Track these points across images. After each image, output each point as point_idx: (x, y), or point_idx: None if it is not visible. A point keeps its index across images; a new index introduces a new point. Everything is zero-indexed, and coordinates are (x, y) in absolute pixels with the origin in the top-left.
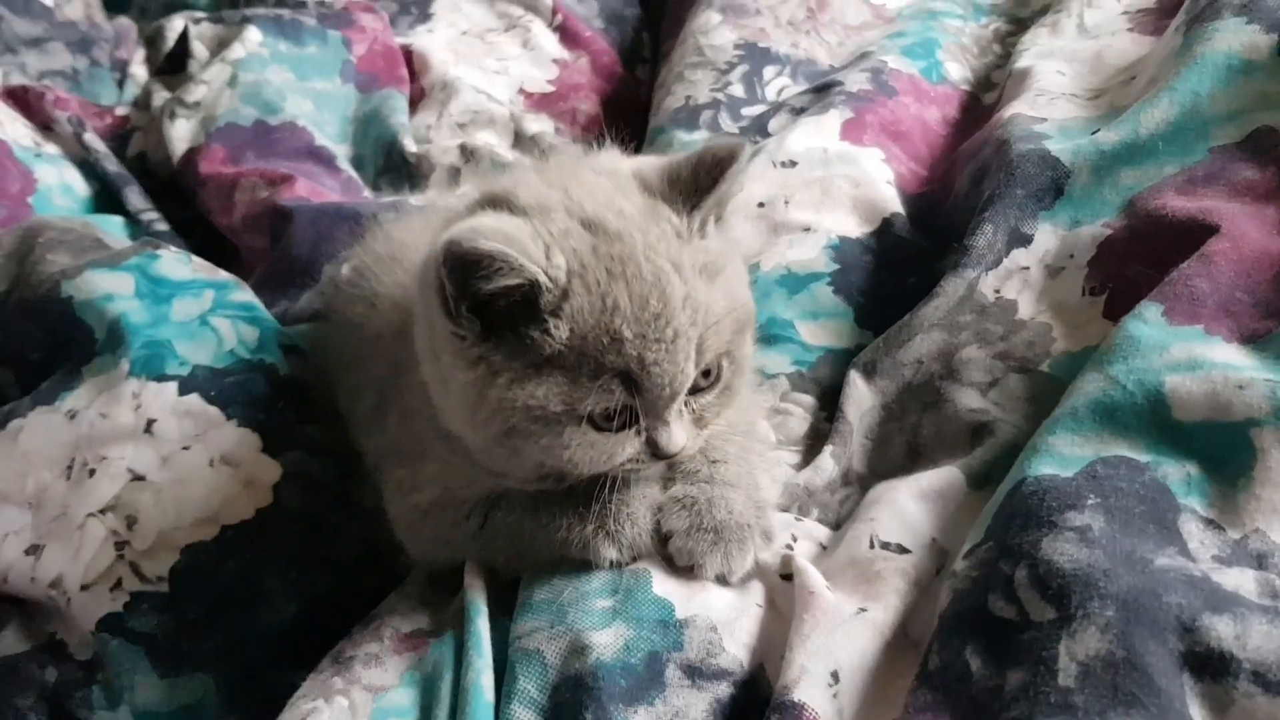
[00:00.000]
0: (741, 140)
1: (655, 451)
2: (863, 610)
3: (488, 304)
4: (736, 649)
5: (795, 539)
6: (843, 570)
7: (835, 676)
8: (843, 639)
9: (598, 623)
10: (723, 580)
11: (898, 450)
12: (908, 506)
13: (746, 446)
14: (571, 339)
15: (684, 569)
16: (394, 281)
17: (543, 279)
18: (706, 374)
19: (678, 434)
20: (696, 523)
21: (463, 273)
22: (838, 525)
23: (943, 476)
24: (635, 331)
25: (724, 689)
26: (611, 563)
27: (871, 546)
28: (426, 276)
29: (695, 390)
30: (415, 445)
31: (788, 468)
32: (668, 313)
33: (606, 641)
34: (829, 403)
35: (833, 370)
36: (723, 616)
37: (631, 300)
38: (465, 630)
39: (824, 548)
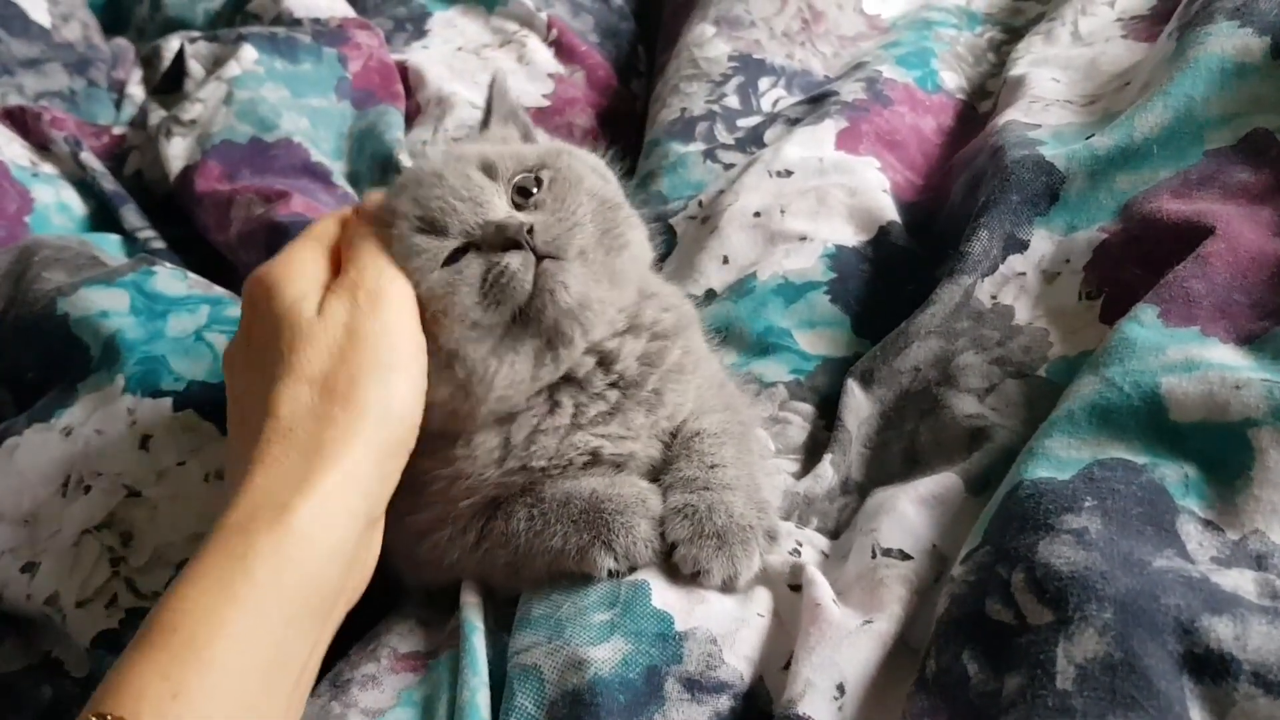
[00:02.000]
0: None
1: (494, 235)
2: (868, 622)
3: None
4: (736, 661)
5: (800, 545)
6: (850, 586)
7: (840, 689)
8: (849, 650)
9: (595, 637)
10: (729, 584)
11: (895, 457)
12: (908, 512)
13: (744, 449)
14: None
15: (690, 577)
16: None
17: None
18: (527, 194)
19: (496, 206)
20: (699, 530)
21: None
22: (836, 533)
23: (941, 482)
24: (414, 195)
25: (724, 702)
26: (609, 572)
27: (874, 555)
28: None
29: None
30: (411, 469)
31: (787, 476)
32: (433, 176)
33: (604, 656)
34: (828, 411)
35: (831, 379)
36: (723, 628)
37: (414, 185)
38: (461, 649)
39: (826, 556)
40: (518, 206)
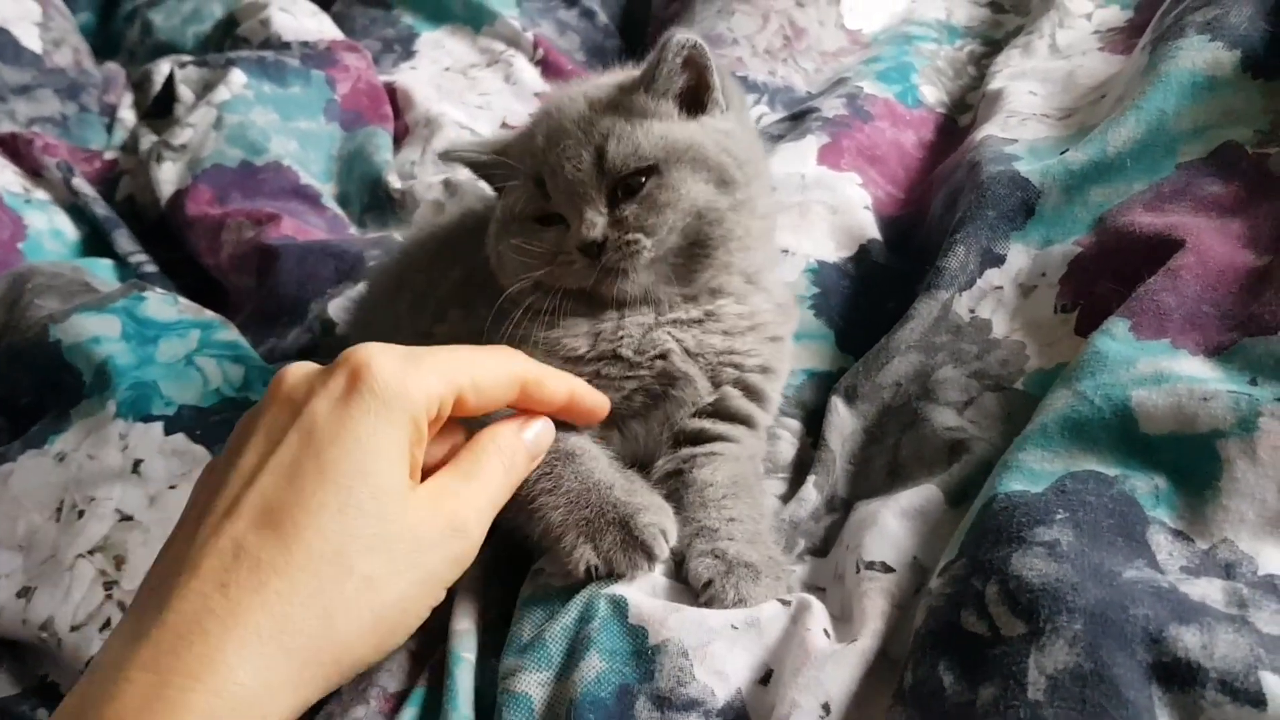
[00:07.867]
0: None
1: (579, 244)
2: (852, 641)
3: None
4: (706, 676)
5: (795, 571)
6: (840, 608)
7: (826, 708)
8: (832, 669)
9: (574, 657)
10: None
11: (878, 472)
12: (889, 525)
13: (754, 502)
14: (522, 163)
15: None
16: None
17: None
18: (631, 190)
19: (591, 219)
20: (725, 569)
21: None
22: (824, 550)
23: (921, 495)
24: (543, 145)
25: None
26: (589, 568)
27: (857, 570)
28: None
29: (619, 203)
30: None
31: (775, 499)
32: (563, 128)
33: (581, 676)
34: (814, 425)
35: (816, 393)
36: (695, 640)
37: (548, 130)
38: (445, 684)
39: (821, 590)
40: (615, 197)
